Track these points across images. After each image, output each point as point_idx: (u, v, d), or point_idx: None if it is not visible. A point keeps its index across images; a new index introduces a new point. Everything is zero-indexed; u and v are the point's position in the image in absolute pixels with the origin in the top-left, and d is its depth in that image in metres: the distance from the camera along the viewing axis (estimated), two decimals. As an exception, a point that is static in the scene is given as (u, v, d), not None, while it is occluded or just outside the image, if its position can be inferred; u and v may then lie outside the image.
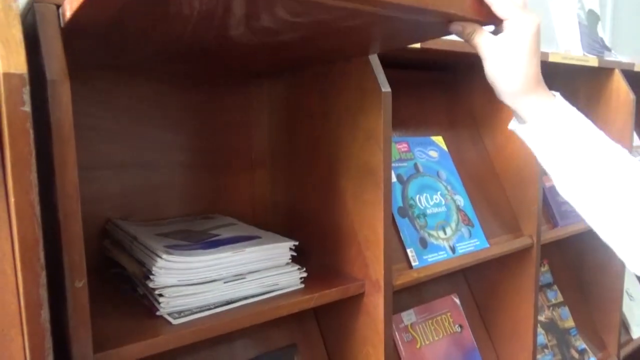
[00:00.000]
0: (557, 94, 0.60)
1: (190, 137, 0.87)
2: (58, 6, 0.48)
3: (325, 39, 0.61)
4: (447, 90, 1.14)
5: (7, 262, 0.48)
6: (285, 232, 0.77)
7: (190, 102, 0.87)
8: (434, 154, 0.97)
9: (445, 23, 0.56)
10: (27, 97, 0.41)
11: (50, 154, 0.46)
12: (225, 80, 0.90)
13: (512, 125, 0.64)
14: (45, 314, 0.43)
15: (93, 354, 0.49)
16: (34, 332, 0.42)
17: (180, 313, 0.62)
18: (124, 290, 0.70)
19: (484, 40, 0.57)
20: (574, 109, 0.59)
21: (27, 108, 0.41)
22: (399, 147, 0.92)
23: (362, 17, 0.49)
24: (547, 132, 0.58)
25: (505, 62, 0.57)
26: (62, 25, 0.47)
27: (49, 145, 0.46)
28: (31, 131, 0.41)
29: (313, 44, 0.64)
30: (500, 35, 0.57)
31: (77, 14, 0.44)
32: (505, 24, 0.56)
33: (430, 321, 1.01)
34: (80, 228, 0.47)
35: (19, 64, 0.40)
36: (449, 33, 0.59)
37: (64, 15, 0.47)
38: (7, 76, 0.39)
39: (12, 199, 0.41)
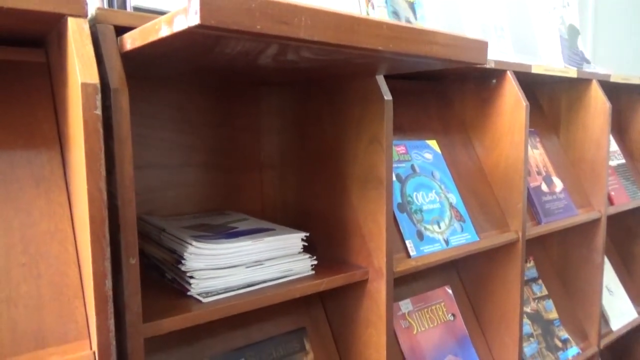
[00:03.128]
0: None
1: (206, 140, 0.96)
2: (115, 26, 0.57)
3: (337, 68, 0.70)
4: (440, 98, 1.24)
5: (69, 242, 0.57)
6: (293, 227, 0.85)
7: (206, 108, 0.95)
8: (429, 156, 1.07)
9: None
10: (99, 102, 0.49)
11: (111, 152, 0.54)
12: (238, 88, 0.99)
13: None
14: (109, 283, 0.51)
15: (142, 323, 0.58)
16: (100, 297, 0.51)
17: (208, 293, 0.70)
18: (152, 277, 0.79)
19: None
20: None
21: (99, 111, 0.49)
22: (398, 149, 1.02)
23: (371, 57, 0.59)
24: None
25: None
26: (120, 52, 0.55)
27: (108, 145, 0.54)
28: (101, 130, 0.50)
29: (326, 70, 0.73)
30: None
31: (136, 50, 0.53)
32: None
33: (425, 310, 1.10)
34: (135, 213, 0.55)
35: (92, 75, 0.49)
36: (442, 67, 0.68)
37: (122, 45, 0.55)
38: (84, 85, 0.48)
39: (84, 186, 0.49)
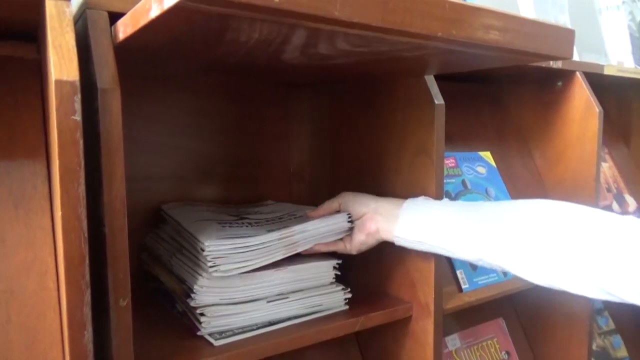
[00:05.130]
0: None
1: (227, 149, 0.86)
2: (110, 13, 0.46)
3: (380, 64, 0.58)
4: (494, 103, 1.09)
5: (50, 277, 0.47)
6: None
7: (228, 113, 0.85)
8: (482, 170, 0.93)
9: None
10: (78, 105, 0.39)
11: (98, 166, 0.44)
12: (264, 91, 0.88)
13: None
14: (88, 334, 0.41)
15: (134, 377, 0.47)
16: (77, 353, 0.40)
17: (221, 334, 0.59)
18: (162, 306, 0.68)
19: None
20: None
21: (78, 117, 0.39)
22: (447, 162, 0.88)
23: (426, 49, 0.46)
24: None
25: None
26: (113, 44, 0.45)
27: (96, 156, 0.44)
28: (81, 141, 0.39)
29: (366, 67, 0.61)
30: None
31: (130, 38, 0.42)
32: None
33: (475, 347, 0.95)
34: (126, 244, 0.44)
35: (71, 71, 0.39)
36: (513, 62, 0.56)
37: (116, 35, 0.45)
38: (59, 83, 0.38)
39: (59, 213, 0.39)
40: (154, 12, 0.34)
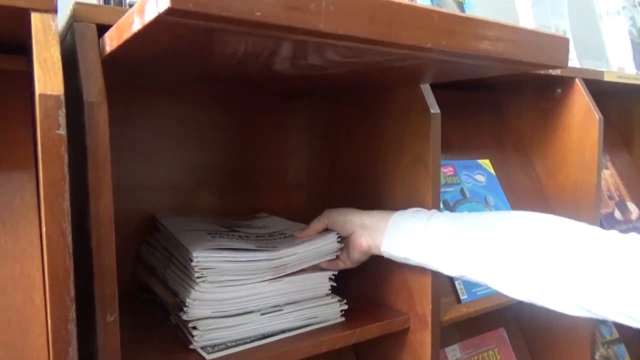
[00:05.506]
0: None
1: (225, 158, 0.85)
2: (98, 25, 0.46)
3: (373, 74, 0.57)
4: (493, 110, 1.09)
5: (36, 292, 0.46)
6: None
7: (225, 123, 0.85)
8: (481, 178, 0.92)
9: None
10: (62, 120, 0.38)
11: (85, 178, 0.43)
12: (261, 100, 0.88)
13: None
14: (73, 351, 0.40)
15: (122, 393, 0.46)
16: (61, 371, 0.39)
17: (214, 347, 0.58)
18: (156, 318, 0.67)
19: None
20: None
21: (62, 131, 0.38)
22: (445, 170, 0.87)
23: (417, 59, 0.46)
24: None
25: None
26: (102, 56, 0.45)
27: (84, 169, 0.44)
28: (65, 156, 0.38)
29: (360, 77, 0.61)
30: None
31: (116, 51, 0.42)
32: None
33: (476, 357, 0.94)
34: (114, 259, 0.44)
35: (56, 85, 0.38)
36: (507, 71, 0.55)
37: (103, 48, 0.45)
38: (43, 97, 0.37)
39: (43, 228, 0.38)
40: (136, 26, 0.33)
